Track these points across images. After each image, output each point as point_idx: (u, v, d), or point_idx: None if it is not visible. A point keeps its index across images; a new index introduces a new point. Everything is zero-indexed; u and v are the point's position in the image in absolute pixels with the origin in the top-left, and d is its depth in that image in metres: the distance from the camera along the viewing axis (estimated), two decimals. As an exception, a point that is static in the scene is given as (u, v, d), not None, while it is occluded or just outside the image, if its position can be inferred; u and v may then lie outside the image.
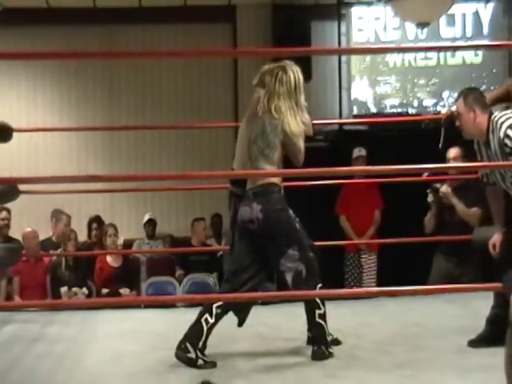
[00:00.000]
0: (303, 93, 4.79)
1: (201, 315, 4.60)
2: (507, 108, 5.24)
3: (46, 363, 4.95)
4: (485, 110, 4.88)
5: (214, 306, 4.60)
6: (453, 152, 6.96)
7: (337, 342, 4.90)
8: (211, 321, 4.59)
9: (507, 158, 4.75)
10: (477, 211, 6.94)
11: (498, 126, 4.73)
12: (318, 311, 4.72)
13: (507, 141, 4.68)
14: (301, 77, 4.78)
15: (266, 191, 4.70)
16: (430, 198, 6.89)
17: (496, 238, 5.08)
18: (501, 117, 4.78)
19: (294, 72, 4.76)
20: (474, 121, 4.85)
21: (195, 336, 4.56)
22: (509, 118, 4.74)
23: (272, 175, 4.77)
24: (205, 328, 4.57)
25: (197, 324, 4.58)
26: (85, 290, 8.47)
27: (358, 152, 8.23)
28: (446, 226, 6.87)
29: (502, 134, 4.70)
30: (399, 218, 8.02)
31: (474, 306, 5.74)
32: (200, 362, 4.53)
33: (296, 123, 4.69)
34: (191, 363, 4.51)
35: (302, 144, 4.74)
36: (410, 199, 7.81)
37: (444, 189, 6.83)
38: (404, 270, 6.99)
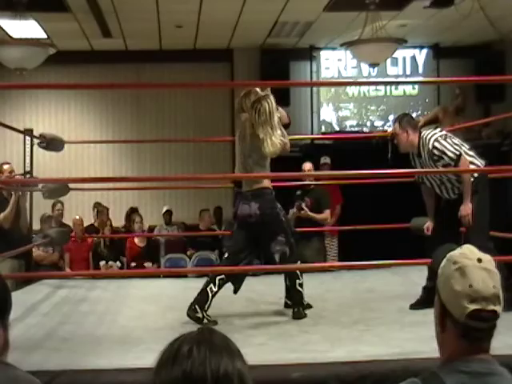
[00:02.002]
0: (276, 114, 4.70)
1: (207, 285, 4.59)
2: (436, 128, 5.27)
3: (90, 319, 4.95)
4: (415, 130, 4.92)
5: (217, 278, 4.60)
6: (307, 166, 7.09)
7: (309, 306, 4.90)
8: (215, 289, 4.58)
9: (435, 165, 4.78)
10: (327, 214, 7.20)
11: (427, 141, 4.79)
12: (297, 281, 4.74)
13: (435, 151, 4.74)
14: (273, 103, 4.67)
15: (262, 193, 4.72)
16: (294, 210, 7.00)
17: (429, 224, 5.13)
18: (428, 134, 4.84)
19: (268, 102, 4.66)
20: (407, 139, 4.89)
21: (202, 301, 4.56)
22: (434, 135, 4.80)
23: (261, 177, 4.77)
24: (210, 295, 4.57)
25: (203, 291, 4.57)
26: (118, 263, 8.45)
27: (324, 160, 8.21)
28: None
29: (430, 146, 4.76)
30: (355, 211, 8.00)
31: (412, 277, 5.75)
32: (205, 320, 4.53)
33: (271, 145, 4.61)
34: (199, 321, 4.50)
35: (278, 152, 4.70)
36: (364, 196, 7.84)
37: (303, 212, 7.00)
38: (358, 249, 6.95)
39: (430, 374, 1.72)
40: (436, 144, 4.73)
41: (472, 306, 1.66)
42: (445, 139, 4.76)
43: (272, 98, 4.71)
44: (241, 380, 1.16)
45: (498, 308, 1.69)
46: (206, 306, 4.55)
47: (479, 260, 1.71)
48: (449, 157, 4.69)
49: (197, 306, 4.53)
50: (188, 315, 4.54)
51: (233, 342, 1.21)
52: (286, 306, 4.95)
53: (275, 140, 4.64)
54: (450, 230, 4.80)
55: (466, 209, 4.72)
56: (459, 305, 1.67)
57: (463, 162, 4.72)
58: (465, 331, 1.69)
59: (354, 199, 7.95)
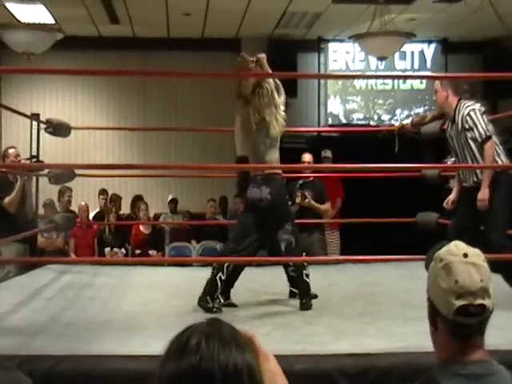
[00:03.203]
0: (276, 91, 4.71)
1: (216, 273, 4.58)
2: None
3: (94, 304, 4.95)
4: (456, 93, 4.92)
5: (225, 265, 4.60)
6: (307, 157, 7.03)
7: (314, 296, 4.91)
8: (223, 277, 4.59)
9: (464, 134, 4.77)
10: (328, 206, 7.08)
11: (464, 108, 4.79)
12: (304, 271, 4.73)
13: (468, 118, 4.75)
14: (271, 82, 4.70)
15: (273, 178, 4.70)
16: (298, 200, 6.87)
17: (450, 197, 5.13)
18: (468, 102, 4.86)
19: (267, 82, 4.70)
20: (446, 99, 4.90)
21: (213, 290, 4.57)
22: (473, 105, 4.81)
23: (268, 167, 4.75)
24: (219, 284, 4.58)
25: (212, 281, 4.57)
26: (123, 250, 8.46)
27: (324, 153, 8.06)
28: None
29: (465, 112, 4.76)
30: (356, 204, 7.96)
31: (416, 271, 5.72)
32: (215, 309, 4.54)
33: (277, 125, 4.66)
34: (209, 311, 4.51)
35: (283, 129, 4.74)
36: (365, 190, 7.82)
37: (307, 200, 6.84)
38: (360, 243, 6.93)
39: (426, 378, 1.70)
40: (472, 113, 4.73)
41: (459, 302, 1.64)
42: (482, 114, 4.76)
43: (264, 65, 4.74)
44: (250, 374, 1.14)
45: (487, 302, 1.66)
46: (215, 296, 4.56)
47: (465, 255, 1.68)
48: (479, 131, 4.68)
49: (208, 297, 4.54)
50: (199, 305, 4.54)
51: (241, 334, 1.19)
52: (292, 294, 4.94)
53: (280, 119, 4.69)
54: (470, 226, 4.77)
55: (484, 194, 4.67)
56: (446, 302, 1.65)
57: (489, 145, 4.69)
58: (454, 329, 1.67)
59: (355, 193, 7.91)
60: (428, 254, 1.82)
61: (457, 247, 1.72)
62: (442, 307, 1.67)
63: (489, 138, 4.69)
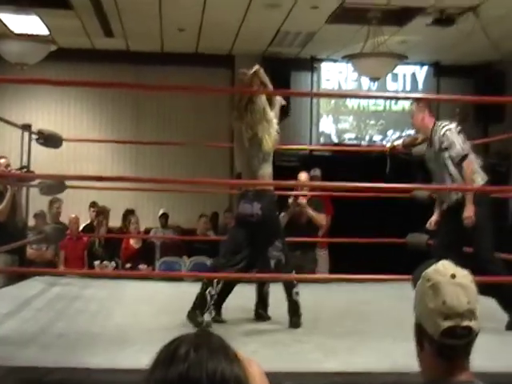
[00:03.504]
0: (268, 106, 4.75)
1: (205, 288, 4.59)
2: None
3: (83, 317, 4.95)
4: (432, 115, 5.02)
5: (215, 280, 4.61)
6: (303, 176, 7.09)
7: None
8: (213, 292, 4.60)
9: (442, 154, 4.84)
10: (324, 217, 7.17)
11: (440, 128, 4.88)
12: (294, 290, 4.74)
13: (444, 138, 4.82)
14: (263, 97, 4.74)
15: (264, 194, 4.73)
16: (290, 200, 6.91)
17: (432, 218, 5.24)
18: (443, 123, 4.96)
19: (259, 98, 4.73)
20: (422, 120, 5.00)
21: (203, 306, 4.57)
22: (449, 125, 4.90)
23: (260, 184, 4.78)
24: (208, 299, 4.58)
25: (203, 296, 4.58)
26: (113, 263, 8.41)
27: (313, 172, 8.02)
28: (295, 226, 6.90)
29: (441, 133, 4.85)
30: (346, 223, 7.96)
31: (405, 290, 5.73)
32: (204, 324, 4.55)
33: (269, 140, 4.70)
34: (198, 325, 4.51)
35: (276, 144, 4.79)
36: (355, 209, 7.84)
37: (301, 200, 6.89)
38: (349, 262, 6.95)
39: None
40: (448, 133, 4.83)
41: (446, 324, 1.64)
42: (458, 133, 4.84)
43: (262, 75, 4.79)
44: None
45: (474, 324, 1.66)
46: (205, 310, 4.57)
47: (453, 276, 1.68)
48: (456, 150, 4.77)
49: (197, 311, 4.55)
50: (188, 319, 4.55)
51: (230, 346, 1.20)
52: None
53: (272, 132, 4.73)
54: (453, 244, 4.82)
55: (469, 210, 4.75)
56: (433, 322, 1.65)
57: (467, 163, 4.78)
58: (440, 349, 1.66)
59: (344, 212, 7.93)
60: (414, 274, 1.84)
61: (444, 267, 1.72)
62: (428, 327, 1.67)
63: (466, 156, 4.80)
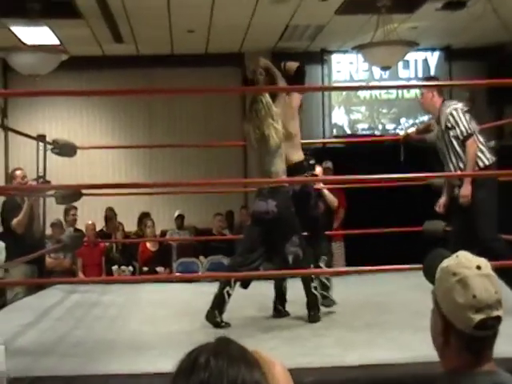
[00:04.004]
0: (272, 104, 4.76)
1: (223, 287, 4.59)
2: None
3: (102, 323, 4.96)
4: (440, 94, 5.04)
5: (233, 279, 4.60)
6: (317, 169, 7.01)
7: (333, 303, 4.96)
8: (231, 292, 4.61)
9: (447, 132, 4.84)
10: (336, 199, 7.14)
11: (446, 107, 4.88)
12: (312, 284, 4.73)
13: (450, 117, 4.87)
14: (268, 98, 4.75)
15: (279, 191, 4.72)
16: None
17: (441, 201, 5.26)
18: (450, 102, 5.03)
19: (264, 97, 4.74)
20: (431, 99, 5.02)
21: (221, 304, 4.58)
22: (455, 105, 4.96)
23: (273, 182, 4.78)
24: (226, 298, 4.59)
25: (220, 295, 4.58)
26: (130, 268, 8.46)
27: (325, 164, 7.97)
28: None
29: (447, 112, 4.86)
30: (360, 215, 7.90)
31: (424, 280, 5.69)
32: (223, 323, 4.55)
33: (276, 135, 4.70)
34: (217, 325, 4.51)
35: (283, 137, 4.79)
36: (369, 200, 7.78)
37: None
38: (365, 253, 6.89)
39: None
40: (454, 112, 4.86)
41: (478, 317, 1.63)
42: (463, 113, 4.88)
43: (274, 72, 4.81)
44: None
45: (501, 312, 1.66)
46: (223, 310, 4.57)
47: (478, 267, 1.67)
48: (460, 129, 4.83)
49: (216, 311, 4.54)
50: (207, 319, 4.55)
51: (251, 352, 1.20)
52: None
53: (277, 127, 4.74)
54: (466, 231, 4.79)
55: (466, 189, 4.79)
56: (464, 317, 1.64)
57: (471, 142, 4.82)
58: (470, 342, 1.65)
59: (358, 203, 7.88)
60: (426, 263, 1.78)
61: (467, 259, 1.70)
62: (458, 322, 1.65)
63: (470, 135, 4.80)
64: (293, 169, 4.95)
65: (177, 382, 1.15)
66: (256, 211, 4.78)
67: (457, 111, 4.87)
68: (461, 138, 4.83)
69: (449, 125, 4.87)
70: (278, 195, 4.69)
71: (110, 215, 8.94)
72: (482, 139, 4.93)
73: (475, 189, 4.78)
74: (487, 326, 1.64)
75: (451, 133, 4.86)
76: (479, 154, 4.84)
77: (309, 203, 5.08)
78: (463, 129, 4.82)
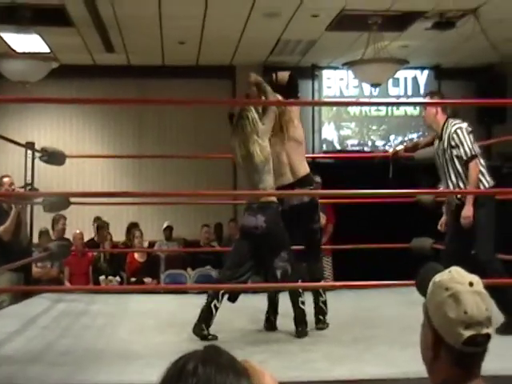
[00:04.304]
0: (258, 121, 4.78)
1: (210, 300, 4.59)
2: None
3: (90, 333, 4.94)
4: (444, 111, 5.01)
5: (220, 292, 4.60)
6: None
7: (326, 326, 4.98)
8: (218, 305, 4.61)
9: (450, 151, 4.84)
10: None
11: (451, 125, 4.87)
12: (300, 299, 4.73)
13: (454, 136, 4.83)
14: (254, 111, 4.78)
15: (268, 206, 4.73)
16: None
17: (443, 219, 5.29)
18: (456, 121, 4.96)
19: (249, 113, 4.77)
20: (435, 116, 4.99)
21: (208, 318, 4.58)
22: (461, 124, 4.91)
23: (262, 195, 4.79)
24: (214, 311, 4.59)
25: (208, 308, 4.58)
26: (118, 278, 8.43)
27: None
28: None
29: (452, 130, 4.85)
30: (348, 230, 7.90)
31: (412, 296, 5.70)
32: (210, 336, 4.55)
33: (260, 151, 4.71)
34: (204, 338, 4.51)
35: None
36: (358, 216, 7.80)
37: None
38: (353, 269, 6.91)
39: None
40: (459, 131, 4.84)
41: (468, 333, 1.63)
42: (468, 134, 4.85)
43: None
44: None
45: (491, 330, 1.67)
46: (210, 323, 4.57)
47: (470, 284, 1.68)
48: (464, 150, 4.78)
49: (203, 325, 4.54)
50: (194, 332, 4.54)
51: (239, 361, 1.20)
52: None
53: (263, 144, 4.74)
54: (461, 248, 4.81)
55: (468, 211, 4.76)
56: (454, 332, 1.64)
57: (474, 164, 4.78)
58: (460, 358, 1.66)
59: (346, 219, 7.90)
60: (418, 277, 1.80)
61: (459, 275, 1.71)
62: (448, 337, 1.66)
63: (474, 157, 4.79)
64: (302, 181, 4.95)
65: None
66: (245, 226, 4.79)
67: (461, 131, 4.83)
68: (464, 158, 4.78)
69: (452, 143, 4.84)
70: (267, 211, 4.71)
71: (101, 224, 8.91)
72: (483, 162, 4.93)
73: (475, 210, 4.77)
74: (477, 343, 1.64)
75: (454, 152, 4.84)
76: (480, 177, 4.84)
77: (314, 216, 5.09)
78: (467, 149, 4.78)
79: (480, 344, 1.65)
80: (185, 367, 1.14)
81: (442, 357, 1.69)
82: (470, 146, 4.80)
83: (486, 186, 4.87)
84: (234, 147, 4.83)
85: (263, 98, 4.94)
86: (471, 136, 4.86)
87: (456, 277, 1.71)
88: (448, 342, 1.66)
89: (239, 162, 4.83)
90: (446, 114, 5.02)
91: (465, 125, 4.91)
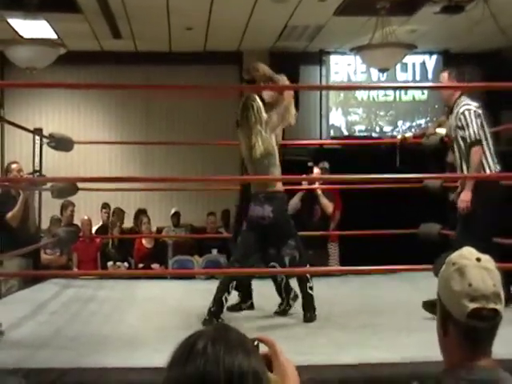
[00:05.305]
0: (263, 110, 4.76)
1: (221, 294, 4.60)
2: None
3: (97, 318, 4.98)
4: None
5: (230, 285, 4.62)
6: (315, 171, 7.08)
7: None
8: (228, 297, 4.64)
9: (456, 130, 4.82)
10: (331, 205, 7.32)
11: (462, 105, 4.83)
12: (308, 284, 4.76)
13: (461, 117, 4.79)
14: (259, 103, 4.76)
15: (275, 196, 4.74)
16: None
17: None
18: (467, 100, 4.91)
19: (254, 102, 4.75)
20: (452, 93, 4.93)
21: (219, 311, 4.60)
22: (470, 105, 4.86)
23: (271, 179, 4.80)
24: (225, 304, 4.63)
25: (219, 301, 4.60)
26: (126, 264, 8.47)
27: (322, 165, 7.86)
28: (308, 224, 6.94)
29: (460, 111, 4.81)
30: (356, 217, 7.90)
31: (419, 283, 5.74)
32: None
33: (262, 142, 4.68)
34: None
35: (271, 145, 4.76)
36: (365, 203, 7.80)
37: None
38: (360, 256, 6.92)
39: (433, 382, 1.72)
40: (466, 113, 4.78)
41: (472, 305, 1.65)
42: (476, 116, 4.78)
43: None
44: (255, 378, 1.15)
45: (499, 307, 1.67)
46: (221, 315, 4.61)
47: (478, 259, 1.70)
48: (469, 133, 4.73)
49: (214, 319, 4.55)
50: (204, 325, 4.56)
51: (249, 339, 1.21)
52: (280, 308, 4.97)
53: (265, 135, 4.71)
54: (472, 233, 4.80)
55: (466, 195, 4.73)
56: (460, 304, 1.66)
57: (476, 149, 4.73)
58: (466, 332, 1.67)
59: (353, 206, 7.90)
60: (437, 261, 1.83)
61: (469, 252, 1.74)
62: (454, 310, 1.68)
63: (477, 142, 4.73)
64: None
65: (174, 368, 1.15)
66: (252, 216, 4.79)
67: (469, 112, 4.76)
68: (468, 141, 4.76)
69: (459, 124, 4.80)
70: (273, 200, 4.72)
71: (118, 211, 8.94)
72: (491, 146, 4.87)
73: (475, 198, 4.73)
74: (482, 317, 1.65)
75: (460, 132, 4.80)
76: (483, 161, 4.80)
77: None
78: (472, 133, 4.72)
79: (486, 318, 1.66)
80: (194, 347, 1.15)
81: (451, 333, 1.71)
82: (475, 130, 4.74)
83: (488, 171, 4.81)
84: (240, 140, 4.84)
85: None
86: (479, 119, 4.80)
87: (465, 254, 1.74)
88: (455, 316, 1.68)
89: (245, 154, 4.81)
90: (460, 91, 4.96)
91: (474, 106, 4.83)
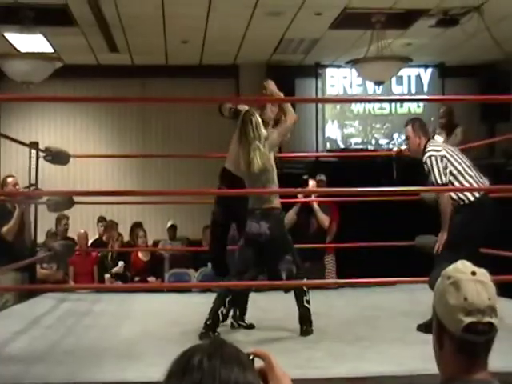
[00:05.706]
0: (262, 125, 4.76)
1: (217, 307, 4.60)
2: (443, 143, 5.29)
3: (93, 332, 4.96)
4: (426, 136, 5.00)
5: (227, 299, 4.62)
6: (311, 183, 7.08)
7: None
8: (224, 311, 4.64)
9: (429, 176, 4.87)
10: (327, 218, 7.27)
11: (426, 151, 4.87)
12: (305, 297, 4.75)
13: (425, 165, 4.83)
14: (257, 118, 4.76)
15: (271, 213, 4.74)
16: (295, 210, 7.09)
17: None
18: (430, 146, 4.92)
19: (253, 117, 4.75)
20: (418, 144, 4.96)
21: (215, 325, 4.59)
22: (432, 151, 4.84)
23: (268, 193, 4.80)
24: (220, 317, 4.62)
25: (215, 315, 4.59)
26: (122, 262, 8.39)
27: (318, 177, 7.86)
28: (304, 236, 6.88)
29: (424, 158, 4.85)
30: (352, 229, 7.90)
31: (416, 294, 5.73)
32: None
33: (260, 158, 4.67)
34: None
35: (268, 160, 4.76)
36: (361, 215, 7.81)
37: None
38: (356, 267, 6.90)
39: None
40: (427, 160, 4.84)
41: (468, 319, 1.64)
42: (438, 161, 4.78)
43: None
44: None
45: (495, 320, 1.67)
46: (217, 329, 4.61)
47: (473, 273, 1.70)
48: (435, 177, 4.79)
49: (210, 333, 4.54)
50: (201, 339, 4.52)
51: (244, 353, 1.21)
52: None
53: (263, 150, 4.69)
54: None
55: (441, 237, 4.82)
56: (455, 319, 1.66)
57: (441, 195, 4.81)
58: (461, 346, 1.66)
59: (350, 218, 7.90)
60: (432, 274, 1.82)
61: (464, 265, 1.73)
62: (449, 324, 1.67)
63: (442, 185, 4.77)
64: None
65: (170, 383, 1.15)
66: (249, 233, 4.78)
67: (430, 159, 4.78)
68: (435, 184, 4.81)
69: (426, 169, 4.89)
70: (270, 217, 4.72)
71: (109, 224, 8.92)
72: (466, 166, 4.87)
73: (460, 224, 4.74)
74: (477, 331, 1.65)
75: (431, 177, 4.88)
76: (459, 195, 4.76)
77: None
78: (437, 178, 4.76)
79: (481, 332, 1.65)
80: (190, 361, 1.15)
81: (446, 346, 1.70)
82: (438, 176, 4.75)
83: (471, 198, 4.75)
84: (238, 154, 4.82)
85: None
86: (441, 162, 4.79)
87: (460, 267, 1.73)
88: (450, 329, 1.67)
89: (243, 170, 4.79)
90: (427, 137, 5.01)
91: (435, 152, 4.79)
